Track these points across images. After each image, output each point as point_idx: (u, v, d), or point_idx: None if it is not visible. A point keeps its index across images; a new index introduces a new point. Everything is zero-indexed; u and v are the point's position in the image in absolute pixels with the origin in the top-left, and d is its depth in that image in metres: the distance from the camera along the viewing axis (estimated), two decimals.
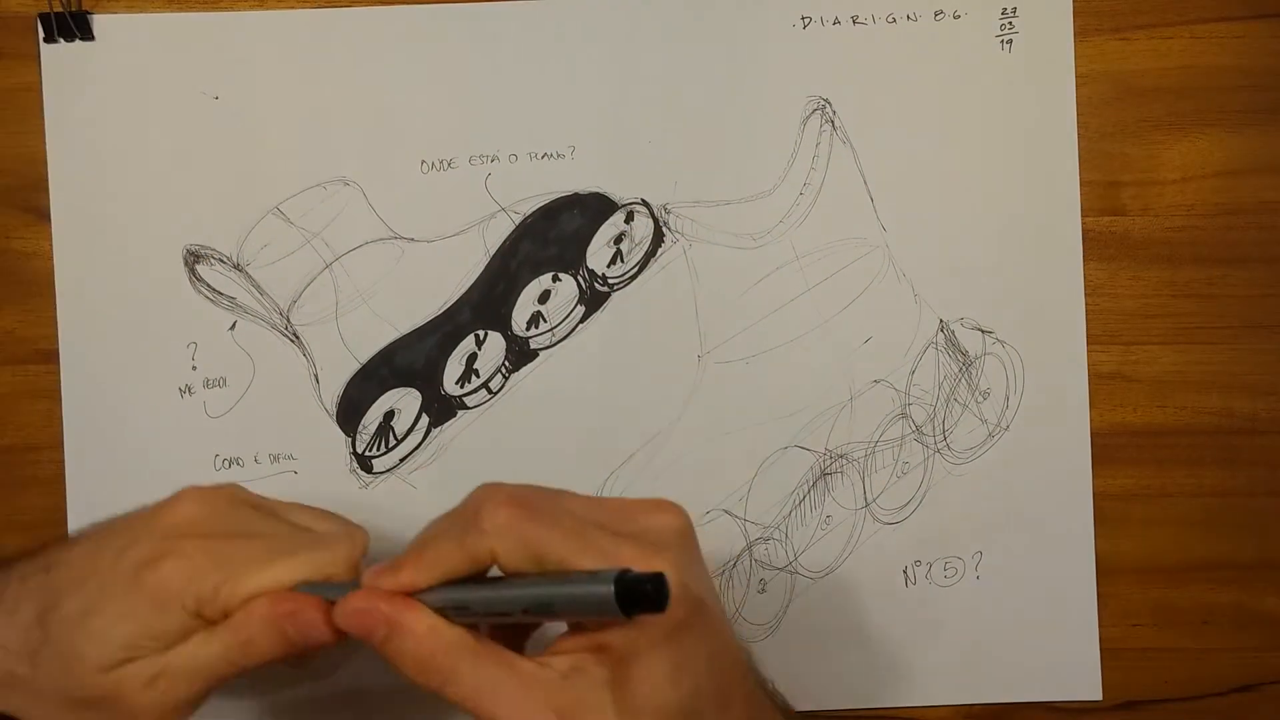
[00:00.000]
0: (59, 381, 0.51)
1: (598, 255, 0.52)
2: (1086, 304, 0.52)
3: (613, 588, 0.32)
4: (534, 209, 0.51)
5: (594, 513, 0.37)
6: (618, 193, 0.52)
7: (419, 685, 0.36)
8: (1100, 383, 0.52)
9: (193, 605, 0.39)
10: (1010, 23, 0.52)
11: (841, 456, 0.52)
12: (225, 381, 0.51)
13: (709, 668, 0.35)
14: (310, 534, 0.43)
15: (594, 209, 0.52)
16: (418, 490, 0.51)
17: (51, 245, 0.51)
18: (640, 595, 0.32)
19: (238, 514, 0.42)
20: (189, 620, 0.39)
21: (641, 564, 0.33)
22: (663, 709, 0.34)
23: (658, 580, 0.32)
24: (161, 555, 0.39)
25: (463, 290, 0.51)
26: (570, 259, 0.52)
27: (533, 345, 0.52)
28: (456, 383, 0.51)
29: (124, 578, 0.39)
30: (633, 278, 0.52)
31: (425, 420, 0.51)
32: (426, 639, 0.36)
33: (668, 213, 0.52)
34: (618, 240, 0.52)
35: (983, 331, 0.52)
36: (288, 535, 0.42)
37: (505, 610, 0.35)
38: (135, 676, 0.39)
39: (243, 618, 0.39)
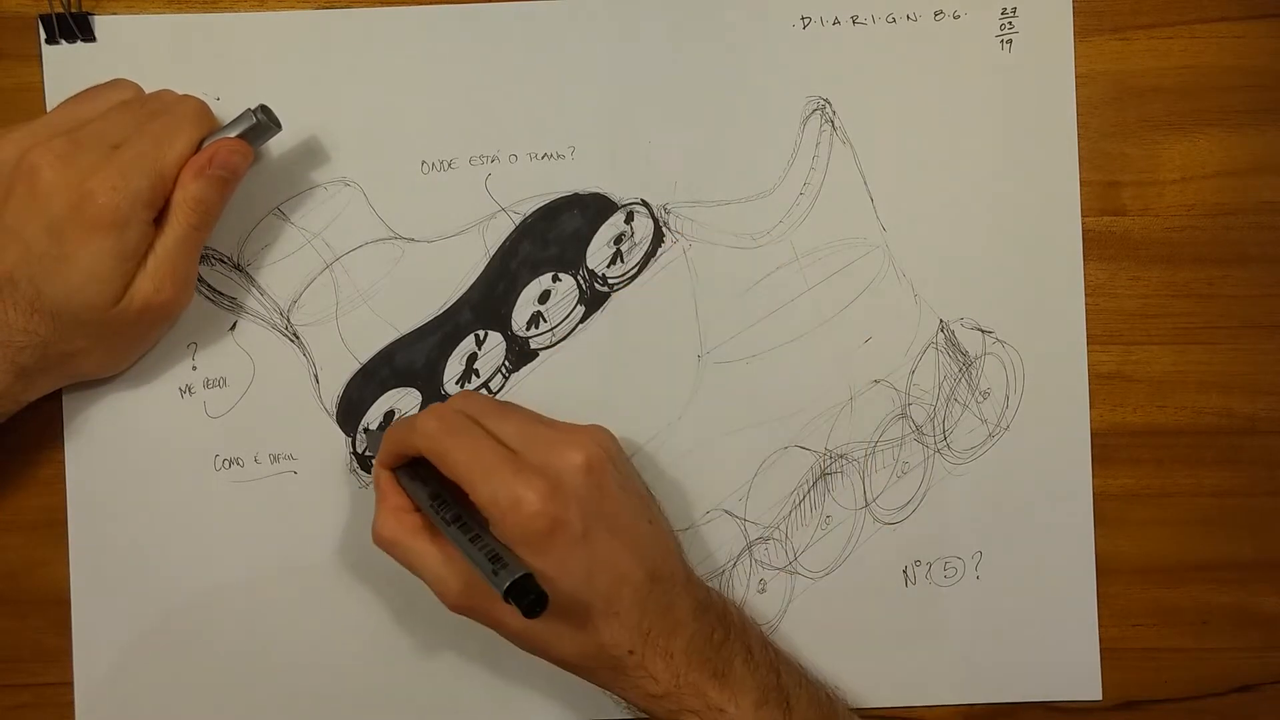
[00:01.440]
0: None
1: (598, 255, 0.52)
2: (1086, 304, 0.52)
3: (502, 591, 0.40)
4: (534, 209, 0.51)
5: (519, 439, 0.45)
6: (618, 193, 0.52)
7: (377, 544, 0.46)
8: (1100, 383, 0.52)
9: (138, 206, 0.45)
10: (1010, 23, 0.52)
11: (841, 456, 0.52)
12: (225, 381, 0.51)
13: (582, 579, 0.43)
14: (157, 103, 0.48)
15: (594, 209, 0.52)
16: None
17: None
18: (519, 596, 0.40)
19: (80, 136, 0.46)
20: (146, 226, 0.45)
21: (520, 506, 0.42)
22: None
23: (536, 600, 0.40)
24: (81, 198, 0.44)
25: (463, 290, 0.51)
26: (570, 259, 0.52)
27: (533, 345, 0.52)
28: (456, 383, 0.51)
29: (70, 230, 0.44)
30: (633, 278, 0.52)
31: None
32: (389, 516, 0.46)
33: (668, 213, 0.52)
34: (618, 240, 0.52)
35: (983, 331, 0.52)
36: (139, 116, 0.47)
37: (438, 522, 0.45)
38: (141, 291, 0.46)
39: (181, 193, 0.46)
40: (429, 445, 0.45)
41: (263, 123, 0.48)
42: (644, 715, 0.46)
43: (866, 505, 0.52)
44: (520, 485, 0.43)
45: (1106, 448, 0.52)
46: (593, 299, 0.52)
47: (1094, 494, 0.52)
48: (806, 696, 0.46)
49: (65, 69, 0.50)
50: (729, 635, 0.46)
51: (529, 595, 0.40)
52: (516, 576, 0.40)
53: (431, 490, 0.46)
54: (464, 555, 0.43)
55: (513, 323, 0.52)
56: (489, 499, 0.43)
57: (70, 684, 0.51)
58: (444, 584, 0.45)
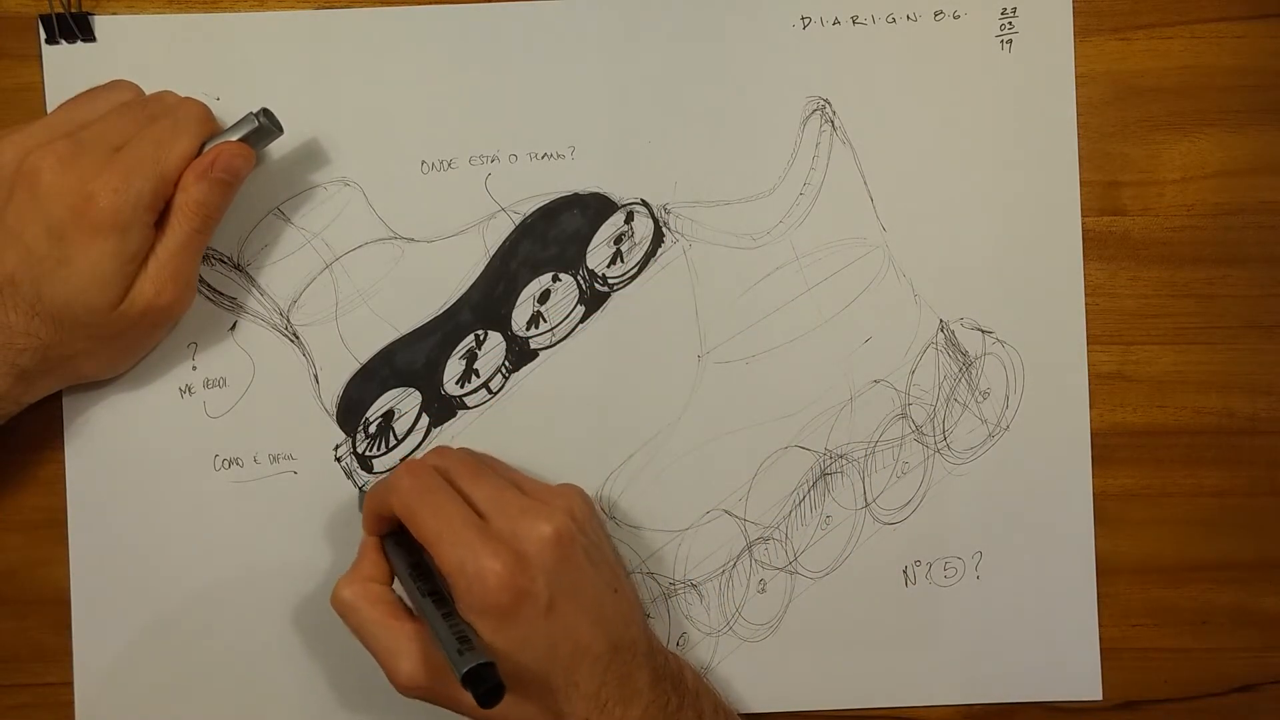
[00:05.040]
0: None
1: (598, 255, 0.52)
2: (1086, 304, 0.52)
3: (460, 675, 0.40)
4: (534, 209, 0.51)
5: (490, 504, 0.45)
6: (618, 193, 0.52)
7: (334, 607, 0.45)
8: (1100, 383, 0.52)
9: (139, 209, 0.45)
10: (1010, 23, 0.52)
11: (841, 456, 0.52)
12: (225, 381, 0.51)
13: (544, 652, 0.43)
14: (158, 105, 0.48)
15: (594, 209, 0.52)
16: None
17: None
18: (475, 684, 0.40)
19: (78, 140, 0.45)
20: (147, 229, 0.45)
21: (485, 578, 0.42)
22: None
23: (492, 690, 0.40)
24: (82, 200, 0.44)
25: (463, 290, 0.51)
26: (570, 259, 0.52)
27: (533, 345, 0.52)
28: (456, 383, 0.51)
29: (72, 233, 0.44)
30: (633, 278, 0.52)
31: (425, 420, 0.51)
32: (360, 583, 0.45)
33: (668, 213, 0.52)
34: (618, 240, 0.52)
35: (983, 331, 0.52)
36: (140, 118, 0.47)
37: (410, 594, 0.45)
38: (143, 294, 0.46)
39: (183, 196, 0.46)
40: (401, 504, 0.44)
41: (264, 126, 0.48)
42: None
43: (866, 505, 0.52)
44: (486, 556, 0.42)
45: (1106, 448, 0.52)
46: (593, 299, 0.52)
47: (1094, 494, 0.52)
48: None
49: (65, 69, 0.50)
50: (683, 702, 0.46)
51: (486, 683, 0.40)
52: (478, 663, 0.40)
53: (414, 560, 0.45)
54: (430, 628, 0.42)
55: (513, 323, 0.52)
56: (455, 567, 0.42)
57: (70, 684, 0.51)
58: (396, 661, 0.44)
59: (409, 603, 0.45)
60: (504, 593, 0.42)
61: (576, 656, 0.43)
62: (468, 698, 0.41)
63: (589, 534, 0.46)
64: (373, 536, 0.47)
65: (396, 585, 0.46)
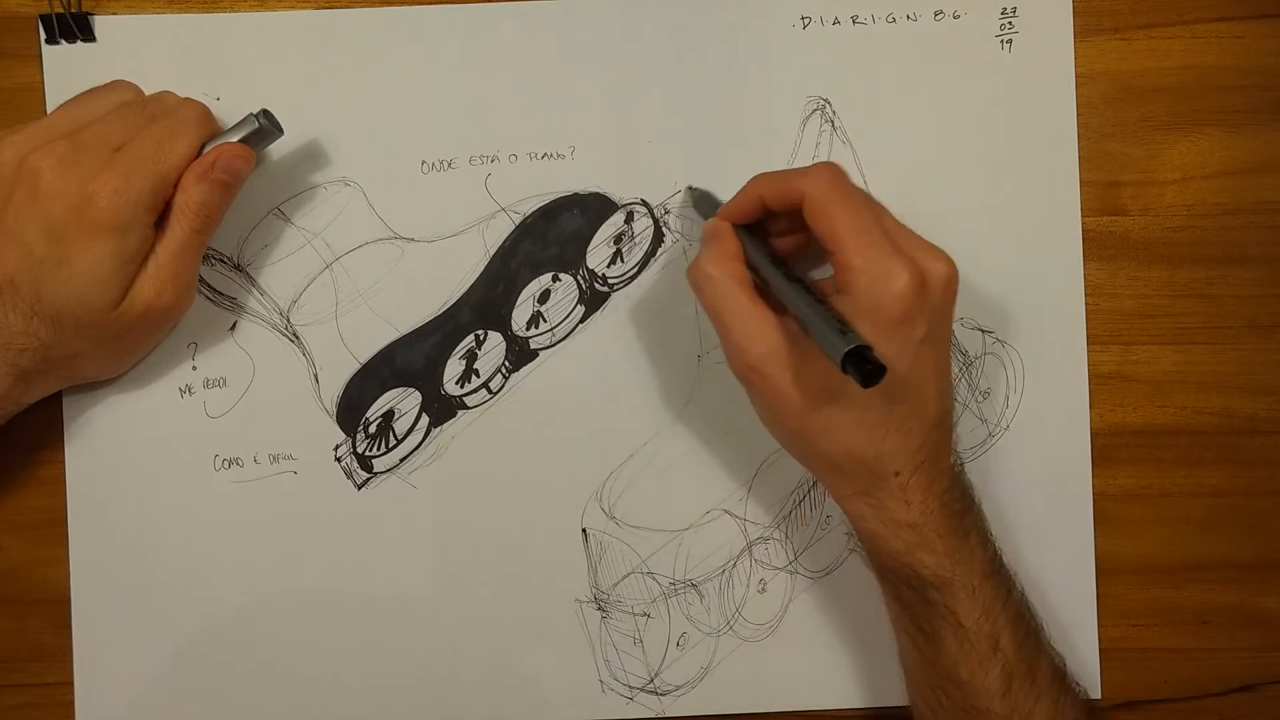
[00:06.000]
0: None
1: (597, 255, 0.52)
2: (1086, 304, 0.52)
3: (842, 353, 0.39)
4: (534, 209, 0.51)
5: (895, 229, 0.44)
6: (618, 193, 0.52)
7: (693, 281, 0.45)
8: (1100, 383, 0.52)
9: (139, 209, 0.45)
10: (1010, 23, 0.52)
11: None
12: (225, 381, 0.51)
13: (900, 381, 0.42)
14: (158, 106, 0.48)
15: (594, 209, 0.52)
16: (418, 490, 0.51)
17: None
18: (857, 364, 0.39)
19: (78, 140, 0.45)
20: (147, 229, 0.45)
21: (891, 282, 0.41)
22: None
23: (875, 369, 0.38)
24: (82, 201, 0.44)
25: (463, 290, 0.51)
26: (570, 259, 0.52)
27: (533, 345, 0.52)
28: (456, 383, 0.51)
29: (71, 233, 0.44)
30: (633, 278, 0.52)
31: (425, 420, 0.51)
32: (723, 256, 0.45)
33: (667, 213, 0.52)
34: (618, 240, 0.52)
35: (983, 331, 0.52)
36: (140, 119, 0.47)
37: (768, 279, 0.45)
38: (143, 295, 0.46)
39: (183, 196, 0.46)
40: (819, 193, 0.43)
41: (265, 127, 0.48)
42: (862, 543, 0.46)
43: None
44: (898, 264, 0.42)
45: (1106, 448, 0.52)
46: (593, 299, 0.52)
47: (1094, 494, 0.52)
48: (1019, 589, 0.47)
49: (65, 69, 0.50)
50: (971, 507, 0.46)
51: (867, 364, 0.38)
52: (860, 344, 0.39)
53: (769, 251, 0.45)
54: (798, 312, 0.42)
55: (513, 323, 0.52)
56: (861, 264, 0.42)
57: (70, 684, 0.51)
58: (748, 338, 0.43)
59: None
60: (900, 303, 0.41)
61: (918, 404, 0.43)
62: (799, 386, 0.42)
63: None
64: (726, 223, 0.46)
65: None
